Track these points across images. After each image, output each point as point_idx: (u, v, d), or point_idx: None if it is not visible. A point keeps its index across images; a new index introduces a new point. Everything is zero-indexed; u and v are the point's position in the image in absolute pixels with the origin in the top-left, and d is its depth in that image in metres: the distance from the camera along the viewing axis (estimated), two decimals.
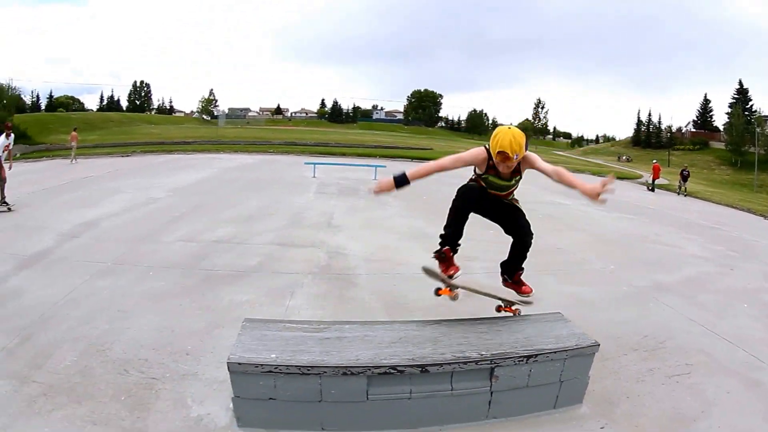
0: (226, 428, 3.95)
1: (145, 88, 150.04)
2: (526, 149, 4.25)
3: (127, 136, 60.51)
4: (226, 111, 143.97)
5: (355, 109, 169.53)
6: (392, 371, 3.66)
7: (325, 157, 30.68)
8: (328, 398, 3.70)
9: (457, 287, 4.71)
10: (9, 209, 12.55)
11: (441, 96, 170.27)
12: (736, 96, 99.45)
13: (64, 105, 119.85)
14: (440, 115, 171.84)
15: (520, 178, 4.54)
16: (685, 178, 32.33)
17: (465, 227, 4.69)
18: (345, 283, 7.49)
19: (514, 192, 4.73)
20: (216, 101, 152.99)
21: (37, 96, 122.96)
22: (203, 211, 12.29)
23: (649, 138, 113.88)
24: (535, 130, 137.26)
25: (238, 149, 40.95)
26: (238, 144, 45.96)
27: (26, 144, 47.15)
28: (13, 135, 14.13)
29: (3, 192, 13.00)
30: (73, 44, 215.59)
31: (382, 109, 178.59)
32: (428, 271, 4.71)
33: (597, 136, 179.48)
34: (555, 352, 3.98)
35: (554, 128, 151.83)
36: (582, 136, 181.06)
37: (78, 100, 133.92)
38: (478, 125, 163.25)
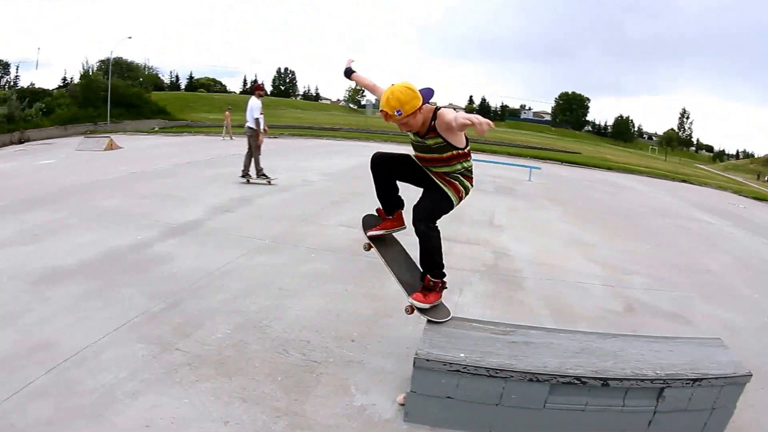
0: (391, 421, 3.80)
1: (290, 75, 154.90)
2: (424, 104, 4.02)
3: (272, 118, 62.28)
4: (373, 102, 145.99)
5: (503, 107, 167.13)
6: (576, 381, 3.56)
7: (478, 154, 29.81)
8: (506, 402, 3.63)
9: (371, 247, 4.94)
10: (269, 182, 13.31)
11: (588, 99, 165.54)
12: None
13: (205, 86, 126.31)
14: (587, 118, 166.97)
15: (443, 141, 4.10)
16: None
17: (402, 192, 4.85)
18: (512, 285, 7.11)
19: (446, 163, 4.30)
20: (363, 91, 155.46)
21: (177, 76, 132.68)
22: (362, 198, 11.66)
23: None
24: (679, 141, 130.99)
25: (387, 139, 40.12)
26: (387, 134, 44.69)
27: (166, 119, 49.92)
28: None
29: (258, 163, 13.58)
30: (214, 29, 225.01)
31: (530, 109, 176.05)
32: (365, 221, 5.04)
33: (737, 152, 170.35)
34: (716, 378, 3.77)
35: (697, 140, 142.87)
36: (723, 150, 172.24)
37: (219, 82, 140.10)
38: (623, 132, 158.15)
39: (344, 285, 5.88)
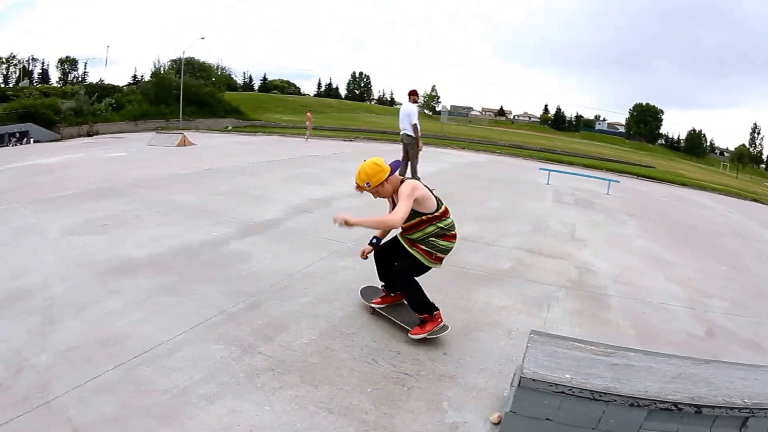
0: None
1: (365, 79, 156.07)
2: (391, 175, 4.78)
3: (347, 121, 63.31)
4: (449, 108, 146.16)
5: (578, 117, 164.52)
6: (673, 408, 3.39)
7: (555, 164, 28.92)
8: (603, 426, 3.46)
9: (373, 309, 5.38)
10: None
11: (662, 111, 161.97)
12: None
13: (279, 87, 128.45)
14: (660, 131, 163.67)
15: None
16: None
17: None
18: (598, 303, 6.60)
19: (417, 228, 4.84)
20: (438, 97, 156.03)
21: (250, 77, 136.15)
22: (451, 202, 11.46)
23: None
24: (750, 157, 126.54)
25: (464, 146, 39.21)
26: (462, 141, 44.53)
27: (239, 119, 50.75)
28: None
29: (415, 170, 13.22)
30: (290, 32, 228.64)
31: (604, 120, 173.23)
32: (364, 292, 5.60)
33: None
34: None
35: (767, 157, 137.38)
36: None
37: (294, 84, 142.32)
38: (696, 146, 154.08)
39: (432, 295, 5.31)
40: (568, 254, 8.75)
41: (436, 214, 4.76)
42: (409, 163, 13.09)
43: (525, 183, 19.50)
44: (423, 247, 4.78)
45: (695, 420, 3.44)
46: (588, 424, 3.46)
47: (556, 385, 3.37)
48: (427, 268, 4.84)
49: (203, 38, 50.64)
